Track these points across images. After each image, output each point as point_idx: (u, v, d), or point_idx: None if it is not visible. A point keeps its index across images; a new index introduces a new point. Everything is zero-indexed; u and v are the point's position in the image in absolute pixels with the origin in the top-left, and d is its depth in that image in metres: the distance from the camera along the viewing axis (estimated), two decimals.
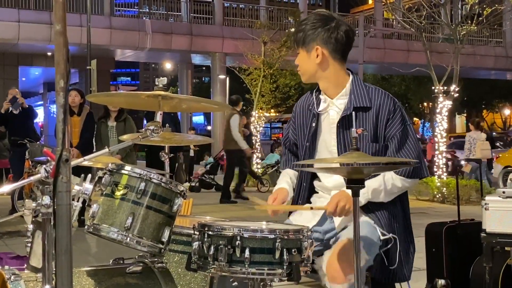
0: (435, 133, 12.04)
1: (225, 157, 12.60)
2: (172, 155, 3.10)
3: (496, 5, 12.83)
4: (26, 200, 1.76)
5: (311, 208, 2.47)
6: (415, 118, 41.97)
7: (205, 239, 2.00)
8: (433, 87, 11.94)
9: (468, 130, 13.23)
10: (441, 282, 3.71)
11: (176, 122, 9.75)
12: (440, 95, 11.71)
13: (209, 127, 41.41)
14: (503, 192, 3.16)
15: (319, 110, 2.56)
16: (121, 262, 2.37)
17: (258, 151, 15.69)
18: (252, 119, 16.12)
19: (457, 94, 12.03)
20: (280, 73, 18.32)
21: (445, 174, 11.52)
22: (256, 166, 15.11)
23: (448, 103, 11.72)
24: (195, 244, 2.03)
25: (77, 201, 2.09)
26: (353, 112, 2.46)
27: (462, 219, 3.96)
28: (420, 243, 2.61)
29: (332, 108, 2.53)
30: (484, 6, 12.92)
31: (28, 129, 8.80)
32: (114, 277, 2.23)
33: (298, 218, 2.57)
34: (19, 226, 7.10)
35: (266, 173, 14.79)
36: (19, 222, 7.00)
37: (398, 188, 2.44)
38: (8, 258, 4.17)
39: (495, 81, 35.99)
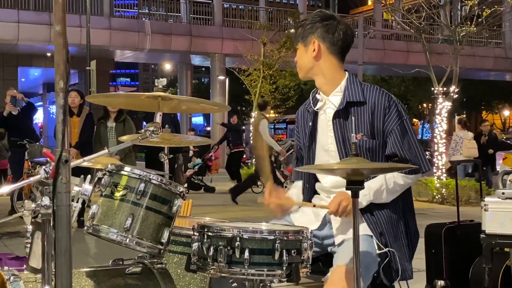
0: (435, 134, 12.05)
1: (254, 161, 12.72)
2: (171, 156, 3.10)
3: (496, 6, 12.81)
4: (26, 201, 1.76)
5: (314, 206, 2.46)
6: (414, 119, 41.96)
7: (205, 240, 2.00)
8: (432, 88, 11.95)
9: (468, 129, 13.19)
10: (441, 283, 3.72)
11: (176, 123, 9.73)
12: (440, 96, 11.72)
13: (208, 128, 41.41)
14: (503, 193, 3.16)
15: (316, 108, 2.56)
16: (121, 263, 2.37)
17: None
18: (252, 120, 16.13)
19: (457, 95, 12.05)
20: (280, 74, 18.33)
21: (444, 175, 11.52)
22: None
23: (448, 104, 11.73)
24: (195, 245, 2.03)
25: (77, 202, 2.09)
26: (350, 109, 2.45)
27: (462, 220, 3.96)
28: (419, 244, 2.60)
29: (328, 105, 2.53)
30: (484, 7, 12.91)
31: (28, 130, 8.81)
32: (113, 278, 2.23)
33: (300, 219, 2.56)
34: (18, 227, 7.09)
35: None
36: (18, 223, 6.97)
37: (401, 185, 2.42)
38: (8, 259, 4.15)
39: (495, 82, 36.02)
